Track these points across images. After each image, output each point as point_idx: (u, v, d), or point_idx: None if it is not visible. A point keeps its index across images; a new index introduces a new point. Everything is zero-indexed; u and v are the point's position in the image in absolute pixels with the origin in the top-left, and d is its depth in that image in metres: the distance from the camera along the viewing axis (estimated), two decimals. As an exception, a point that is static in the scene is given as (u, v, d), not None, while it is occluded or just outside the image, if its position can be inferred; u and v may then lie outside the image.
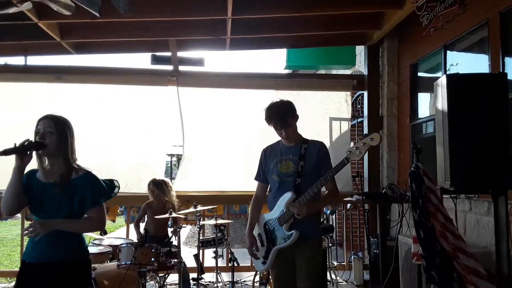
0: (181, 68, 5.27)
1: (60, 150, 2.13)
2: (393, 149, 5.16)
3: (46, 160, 2.14)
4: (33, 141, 2.06)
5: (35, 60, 5.51)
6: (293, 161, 2.61)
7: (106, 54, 5.47)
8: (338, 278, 4.75)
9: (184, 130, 5.28)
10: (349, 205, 5.14)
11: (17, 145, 2.00)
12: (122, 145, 5.20)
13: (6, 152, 1.97)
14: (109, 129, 5.22)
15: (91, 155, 4.68)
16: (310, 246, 2.57)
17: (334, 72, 7.30)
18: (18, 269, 2.19)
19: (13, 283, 3.88)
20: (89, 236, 4.22)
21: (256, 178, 2.83)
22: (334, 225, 5.90)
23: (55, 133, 2.12)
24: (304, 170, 2.57)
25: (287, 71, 6.86)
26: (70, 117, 2.28)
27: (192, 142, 5.32)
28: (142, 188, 5.03)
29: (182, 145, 5.40)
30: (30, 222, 2.20)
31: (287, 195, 2.55)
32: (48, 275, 2.06)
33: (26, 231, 2.02)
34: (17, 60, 5.48)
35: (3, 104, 5.11)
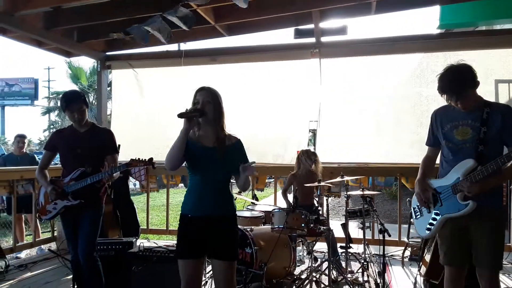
0: (323, 39, 5.22)
1: (216, 118, 2.40)
2: None
3: (201, 127, 2.41)
4: (198, 109, 2.35)
5: (185, 46, 6.04)
6: (472, 127, 2.37)
7: (254, 34, 5.69)
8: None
9: (326, 102, 5.28)
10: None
11: (188, 110, 2.32)
12: (268, 118, 5.49)
13: (181, 115, 2.28)
14: (256, 103, 5.55)
15: (241, 127, 5.08)
16: (490, 219, 2.32)
17: (498, 27, 6.27)
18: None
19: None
20: (244, 200, 4.65)
21: (426, 143, 2.66)
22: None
23: (212, 103, 2.38)
24: (486, 137, 2.31)
25: (439, 31, 6.17)
26: (222, 93, 2.47)
27: (334, 113, 5.29)
28: (286, 159, 5.28)
29: (318, 119, 5.39)
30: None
31: (468, 163, 2.33)
32: (212, 226, 2.36)
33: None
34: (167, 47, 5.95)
35: (164, 85, 5.88)
